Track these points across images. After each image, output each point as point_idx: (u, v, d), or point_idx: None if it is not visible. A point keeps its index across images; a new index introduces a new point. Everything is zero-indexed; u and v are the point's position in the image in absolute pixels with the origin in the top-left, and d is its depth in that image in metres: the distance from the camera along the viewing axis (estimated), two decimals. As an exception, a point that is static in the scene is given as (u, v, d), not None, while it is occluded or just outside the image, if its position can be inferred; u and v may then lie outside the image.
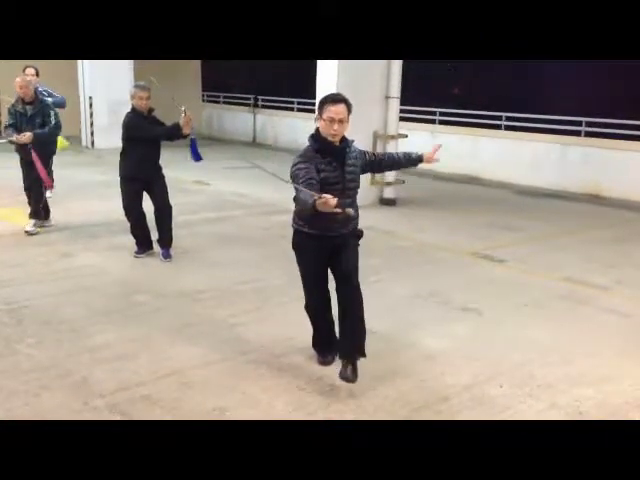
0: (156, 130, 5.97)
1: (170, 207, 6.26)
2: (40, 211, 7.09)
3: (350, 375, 3.70)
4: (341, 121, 3.56)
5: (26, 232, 6.93)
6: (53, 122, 6.79)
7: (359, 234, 3.86)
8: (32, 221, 7.01)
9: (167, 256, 6.23)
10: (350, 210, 3.40)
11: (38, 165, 6.71)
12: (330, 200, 3.23)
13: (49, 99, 7.41)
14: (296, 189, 3.45)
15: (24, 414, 3.39)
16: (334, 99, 3.59)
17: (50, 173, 7.35)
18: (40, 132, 6.68)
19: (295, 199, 3.50)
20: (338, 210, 3.26)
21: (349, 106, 3.60)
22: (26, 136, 6.57)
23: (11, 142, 6.73)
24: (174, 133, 5.90)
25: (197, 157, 6.33)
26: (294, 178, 3.51)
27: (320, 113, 3.59)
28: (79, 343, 4.30)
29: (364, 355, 3.79)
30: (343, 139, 3.68)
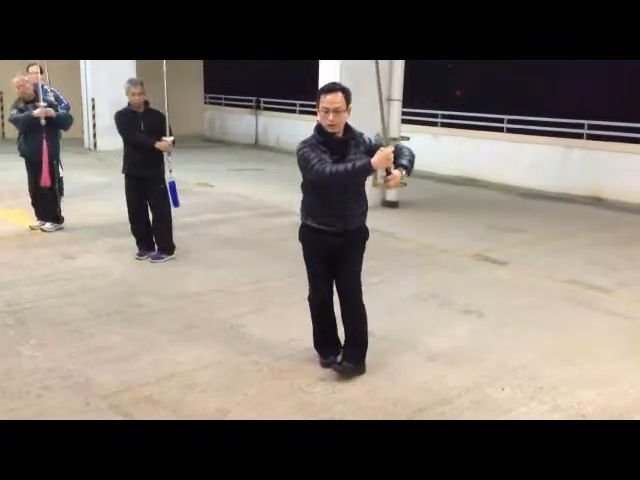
0: (134, 134, 5.93)
1: (165, 216, 6.16)
2: (59, 215, 7.16)
3: (345, 369, 3.85)
4: (336, 110, 3.48)
5: (41, 229, 7.05)
6: (64, 110, 6.95)
7: (365, 236, 3.82)
8: (49, 224, 7.13)
9: (156, 257, 6.19)
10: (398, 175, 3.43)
11: (45, 159, 6.75)
12: (387, 151, 3.34)
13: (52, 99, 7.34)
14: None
15: (27, 415, 3.40)
16: (328, 88, 3.53)
17: (59, 179, 7.39)
18: (61, 112, 6.85)
19: (334, 175, 3.43)
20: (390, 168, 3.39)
21: (346, 94, 3.52)
22: (46, 110, 6.65)
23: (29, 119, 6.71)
24: (147, 146, 5.89)
25: (175, 202, 6.09)
26: (305, 160, 3.50)
27: (317, 104, 3.57)
28: (81, 344, 4.31)
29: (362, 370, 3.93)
30: (347, 130, 3.60)
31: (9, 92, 7.94)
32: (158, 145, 5.87)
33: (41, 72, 7.95)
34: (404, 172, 3.51)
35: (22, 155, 7.00)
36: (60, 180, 7.93)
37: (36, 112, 6.65)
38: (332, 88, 3.54)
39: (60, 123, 6.96)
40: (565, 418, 3.51)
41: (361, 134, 3.66)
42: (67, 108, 7.83)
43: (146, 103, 5.99)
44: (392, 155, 3.42)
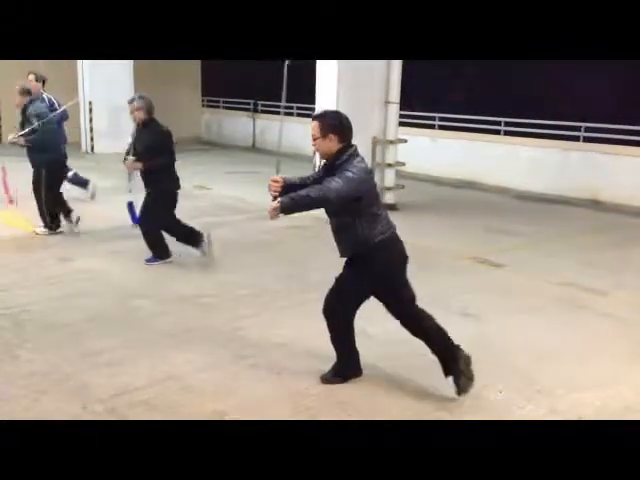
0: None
1: (145, 225, 6.06)
2: (45, 217, 7.10)
3: (325, 375, 3.91)
4: (312, 138, 3.60)
5: (35, 232, 7.08)
6: (36, 126, 6.73)
7: (364, 265, 3.65)
8: (41, 227, 7.13)
9: (148, 260, 6.16)
10: (271, 207, 3.49)
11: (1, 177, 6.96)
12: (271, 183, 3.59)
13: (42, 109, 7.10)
14: None
15: (23, 418, 3.39)
16: (312, 116, 3.69)
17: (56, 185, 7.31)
18: (31, 138, 6.77)
19: None
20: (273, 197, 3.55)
21: (323, 122, 3.56)
22: (16, 140, 6.74)
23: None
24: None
25: (133, 219, 6.37)
26: None
27: None
28: (79, 348, 4.30)
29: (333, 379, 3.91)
30: (335, 157, 3.58)
31: (6, 98, 7.93)
32: (124, 164, 6.01)
33: (37, 81, 7.84)
34: (277, 204, 3.47)
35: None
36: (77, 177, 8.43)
37: (9, 138, 6.79)
38: (313, 115, 3.69)
39: (36, 147, 6.86)
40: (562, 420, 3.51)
41: (344, 164, 3.53)
42: (62, 118, 7.81)
43: (145, 123, 5.90)
44: (273, 184, 3.58)
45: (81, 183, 8.89)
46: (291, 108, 15.97)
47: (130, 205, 6.40)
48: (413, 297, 3.78)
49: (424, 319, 3.79)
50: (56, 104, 8.05)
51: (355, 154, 3.59)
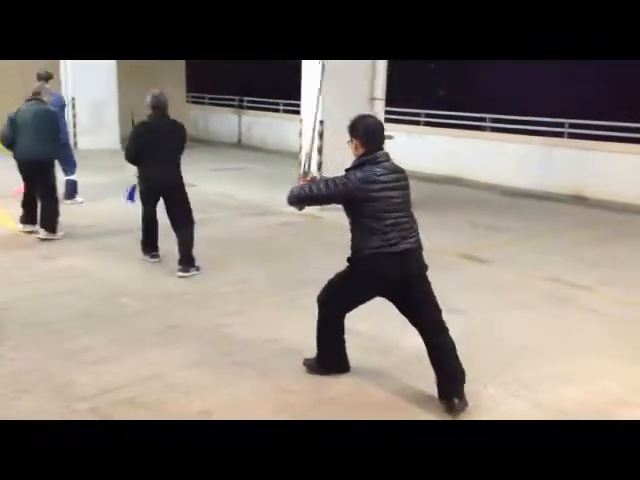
0: None
1: (142, 217, 6.10)
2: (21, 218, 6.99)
3: (309, 361, 3.98)
4: None
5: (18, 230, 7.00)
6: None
7: (351, 266, 3.72)
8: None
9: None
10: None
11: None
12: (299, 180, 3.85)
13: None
14: None
15: (3, 418, 3.34)
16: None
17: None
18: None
19: None
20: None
21: (350, 127, 3.67)
22: None
23: None
24: None
25: (131, 198, 6.34)
26: None
27: None
28: (61, 346, 4.25)
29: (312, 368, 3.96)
30: (353, 161, 3.69)
31: (6, 98, 7.87)
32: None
33: (39, 79, 7.72)
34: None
35: None
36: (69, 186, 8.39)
37: None
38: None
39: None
40: (546, 416, 3.52)
41: (353, 168, 3.63)
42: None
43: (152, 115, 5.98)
44: (301, 181, 3.85)
45: (68, 192, 8.68)
46: (277, 104, 15.94)
47: (133, 188, 6.26)
48: (420, 319, 3.74)
49: (435, 350, 3.71)
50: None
51: (371, 162, 3.58)
